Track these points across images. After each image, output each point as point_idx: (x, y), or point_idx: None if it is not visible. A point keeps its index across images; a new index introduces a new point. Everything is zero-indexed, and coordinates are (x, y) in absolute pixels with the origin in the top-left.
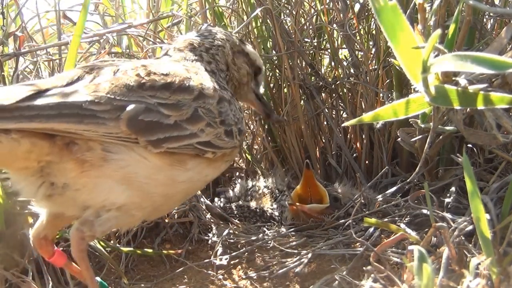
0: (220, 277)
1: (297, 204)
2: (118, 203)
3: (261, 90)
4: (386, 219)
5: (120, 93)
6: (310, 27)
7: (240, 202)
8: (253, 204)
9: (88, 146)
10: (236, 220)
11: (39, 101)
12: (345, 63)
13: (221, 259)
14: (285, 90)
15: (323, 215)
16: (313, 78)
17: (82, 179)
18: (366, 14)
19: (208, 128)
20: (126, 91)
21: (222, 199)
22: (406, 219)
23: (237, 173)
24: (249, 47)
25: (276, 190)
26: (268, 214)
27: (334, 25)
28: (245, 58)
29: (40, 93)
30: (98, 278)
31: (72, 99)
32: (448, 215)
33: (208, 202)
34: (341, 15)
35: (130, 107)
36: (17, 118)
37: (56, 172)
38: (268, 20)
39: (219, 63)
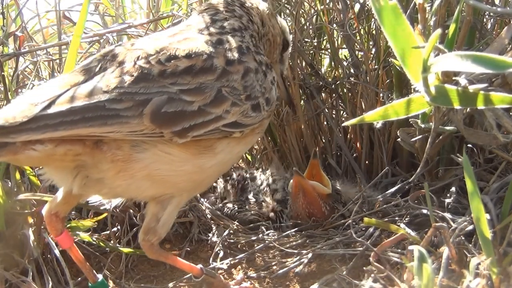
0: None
1: (302, 176)
2: (149, 196)
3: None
4: (386, 219)
5: (141, 85)
6: (310, 27)
7: (241, 203)
8: (251, 197)
9: (117, 144)
10: (236, 222)
11: (62, 107)
12: (345, 63)
13: (222, 263)
14: None
15: (322, 202)
16: (313, 78)
17: (116, 181)
18: (366, 14)
19: (234, 108)
20: (147, 83)
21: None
22: (406, 219)
23: (238, 174)
24: (279, 18)
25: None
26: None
27: (334, 25)
28: (277, 24)
29: (61, 96)
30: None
31: (94, 100)
32: (448, 215)
33: (208, 204)
34: (341, 15)
35: (152, 101)
36: (43, 128)
37: (90, 168)
38: None
39: (253, 16)
